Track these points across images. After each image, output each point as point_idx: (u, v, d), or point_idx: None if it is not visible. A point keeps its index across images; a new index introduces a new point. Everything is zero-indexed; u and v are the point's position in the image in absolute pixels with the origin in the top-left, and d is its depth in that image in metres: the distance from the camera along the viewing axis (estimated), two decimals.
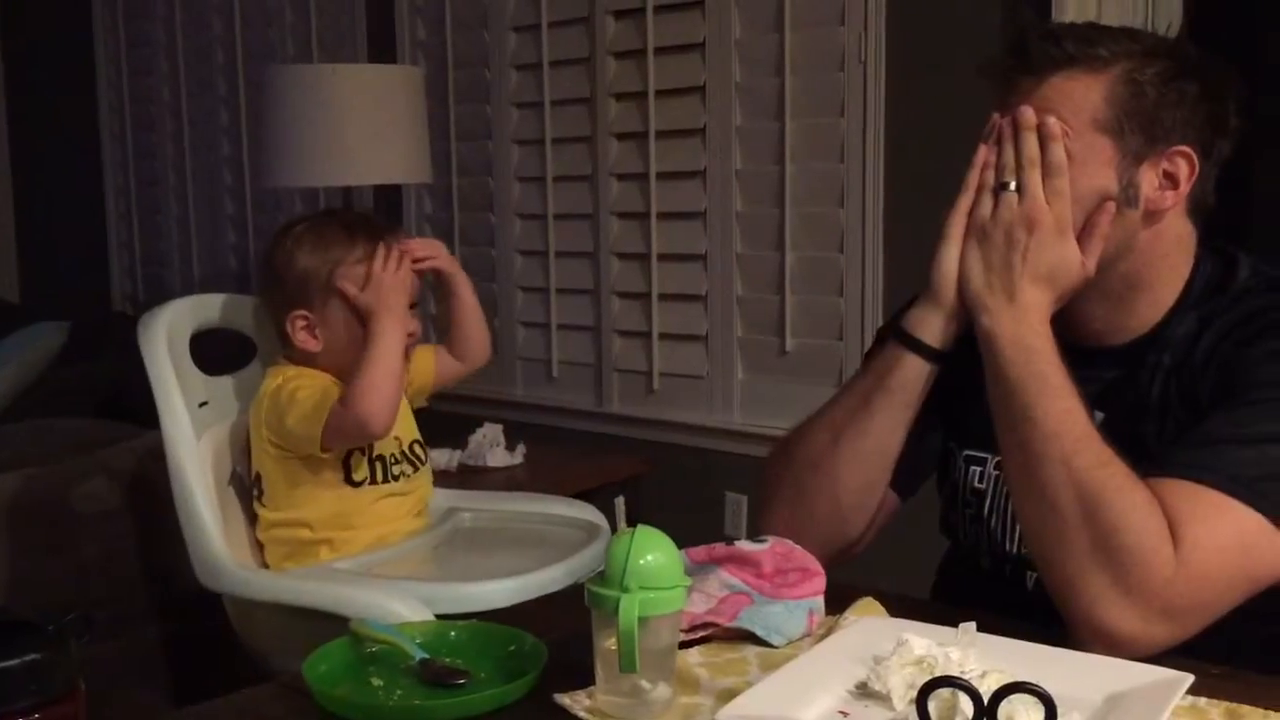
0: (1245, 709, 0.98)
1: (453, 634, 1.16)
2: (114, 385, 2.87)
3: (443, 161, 3.09)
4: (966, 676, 0.95)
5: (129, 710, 1.80)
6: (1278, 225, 3.86)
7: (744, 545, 1.22)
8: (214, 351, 1.67)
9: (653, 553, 1.00)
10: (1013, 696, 0.88)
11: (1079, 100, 1.18)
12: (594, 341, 2.92)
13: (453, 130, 3.14)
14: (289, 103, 2.62)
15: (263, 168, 2.81)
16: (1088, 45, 1.19)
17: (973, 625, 1.07)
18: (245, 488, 1.60)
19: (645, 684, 0.99)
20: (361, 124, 2.61)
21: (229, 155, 3.73)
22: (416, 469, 1.61)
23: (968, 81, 2.31)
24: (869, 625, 1.14)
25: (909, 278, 2.45)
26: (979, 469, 1.29)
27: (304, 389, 1.51)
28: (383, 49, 3.26)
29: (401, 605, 1.30)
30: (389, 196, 3.22)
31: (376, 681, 1.09)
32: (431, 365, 1.69)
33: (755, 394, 2.67)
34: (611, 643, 0.98)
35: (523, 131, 3.02)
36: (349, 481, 1.54)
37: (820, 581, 1.20)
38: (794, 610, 1.16)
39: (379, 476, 1.55)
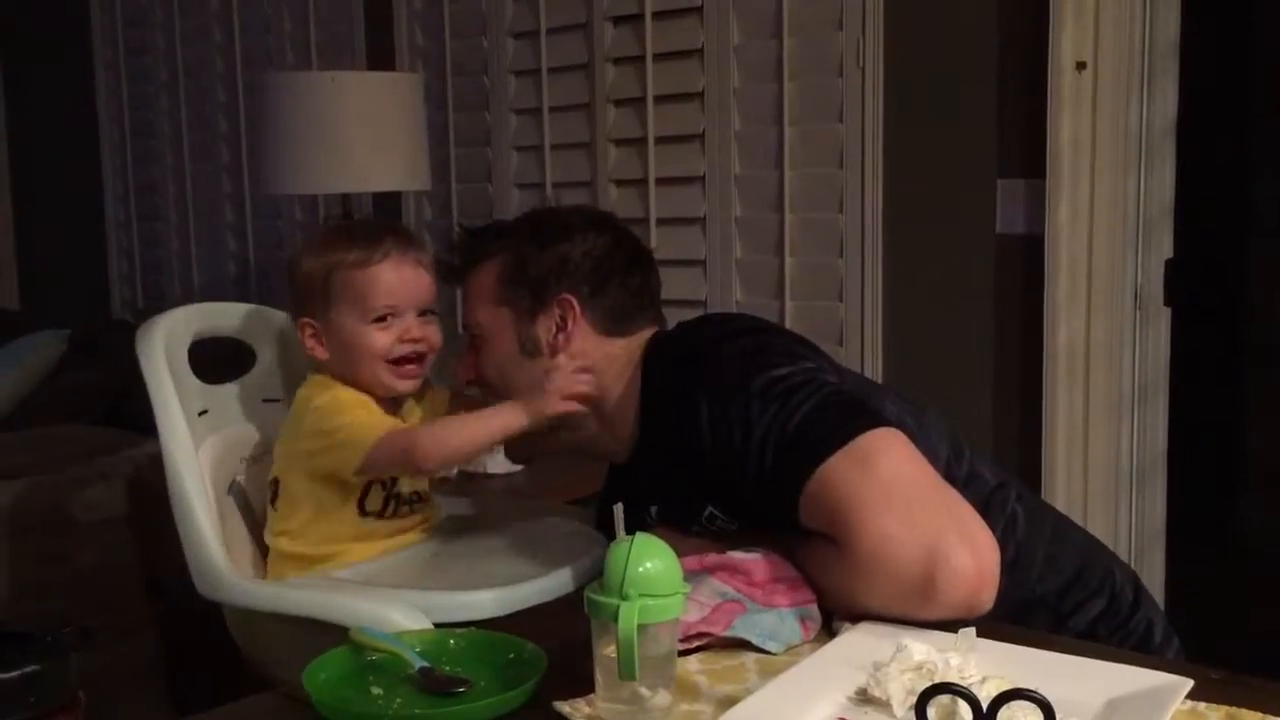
0: (1245, 713, 0.98)
1: (452, 642, 1.16)
2: (114, 393, 2.87)
3: (442, 168, 3.09)
4: (966, 682, 0.95)
5: None
6: (1277, 226, 3.87)
7: (735, 554, 1.22)
8: (213, 359, 1.66)
9: (651, 560, 1.00)
10: (1012, 703, 0.88)
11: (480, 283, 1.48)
12: None
13: (451, 137, 3.14)
14: (288, 110, 2.63)
15: (262, 175, 2.81)
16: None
17: (972, 631, 1.07)
18: (245, 497, 1.60)
19: (645, 691, 0.99)
20: (360, 131, 2.61)
21: (228, 163, 3.73)
22: (426, 503, 1.59)
23: (965, 85, 2.32)
24: (868, 631, 1.14)
25: (909, 283, 2.47)
26: None
27: (357, 408, 1.48)
28: (381, 56, 3.26)
29: (400, 614, 1.30)
30: (388, 203, 3.23)
31: (376, 690, 1.09)
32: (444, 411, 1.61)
33: None
34: (611, 650, 0.98)
35: (521, 138, 3.02)
36: (360, 510, 1.52)
37: (809, 590, 1.21)
38: (785, 618, 1.17)
39: (389, 511, 1.54)
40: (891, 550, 1.13)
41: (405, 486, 1.55)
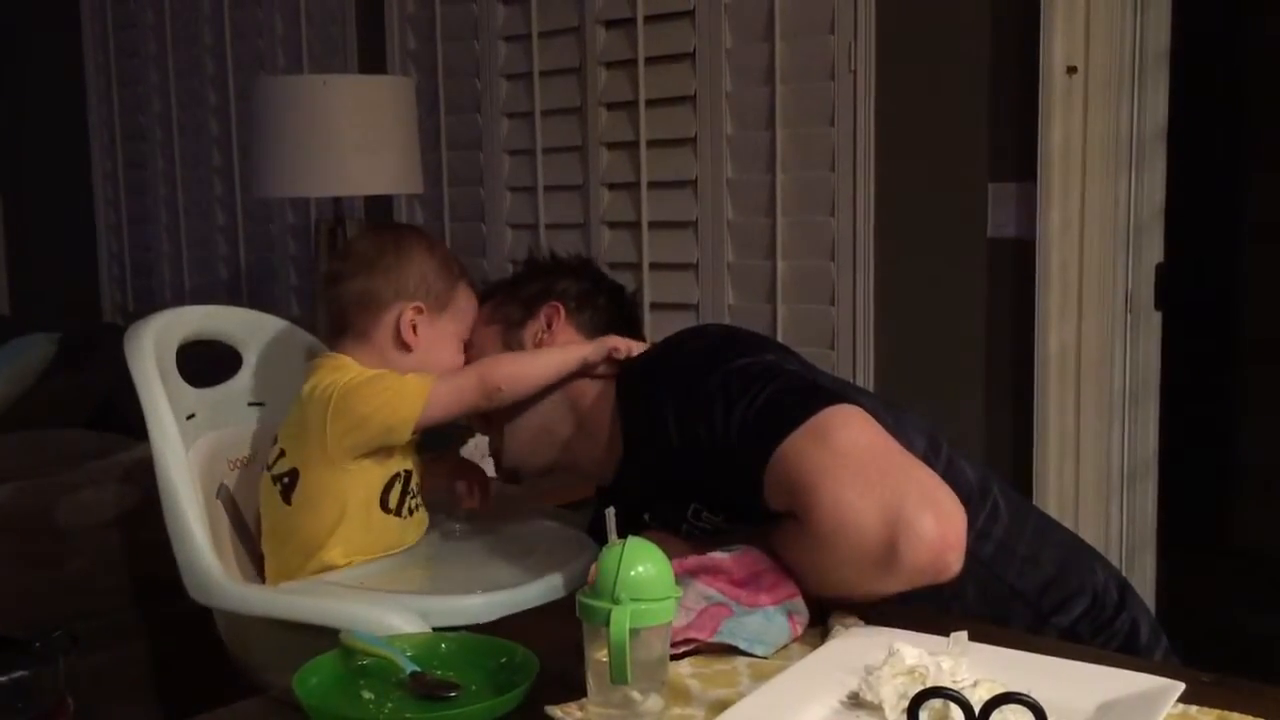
0: (1235, 716, 0.98)
1: (444, 646, 1.16)
2: (105, 396, 2.86)
3: (434, 172, 3.09)
4: (958, 686, 0.95)
5: None
6: (1272, 209, 3.88)
7: (715, 554, 1.22)
8: (199, 363, 1.66)
9: (643, 564, 1.00)
10: (1004, 706, 0.88)
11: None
12: None
13: (443, 140, 3.14)
14: (280, 113, 2.62)
15: (253, 178, 2.81)
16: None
17: (964, 634, 1.07)
18: (233, 500, 1.59)
19: (637, 695, 0.99)
20: (352, 134, 2.61)
21: (219, 166, 3.73)
22: (421, 504, 1.59)
23: (957, 89, 2.33)
24: (861, 635, 1.14)
25: (900, 286, 2.47)
26: None
27: (395, 375, 1.50)
28: (373, 59, 3.26)
29: (398, 619, 1.29)
30: (380, 207, 3.22)
31: (367, 695, 1.09)
32: None
33: None
34: (603, 654, 0.98)
35: (514, 141, 3.02)
36: (383, 507, 1.51)
37: (793, 585, 1.20)
38: (773, 616, 1.16)
39: (405, 510, 1.53)
40: (850, 518, 1.12)
41: (417, 481, 1.55)
